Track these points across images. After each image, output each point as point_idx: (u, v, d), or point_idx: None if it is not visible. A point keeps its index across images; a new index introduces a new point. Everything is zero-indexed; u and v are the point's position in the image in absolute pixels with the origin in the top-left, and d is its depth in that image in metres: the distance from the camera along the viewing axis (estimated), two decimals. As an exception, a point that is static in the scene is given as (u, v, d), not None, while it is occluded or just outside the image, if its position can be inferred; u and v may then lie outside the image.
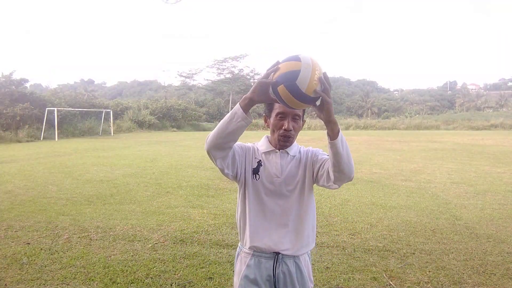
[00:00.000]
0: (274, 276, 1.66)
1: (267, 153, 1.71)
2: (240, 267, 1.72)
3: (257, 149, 1.73)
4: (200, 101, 54.20)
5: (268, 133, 1.74)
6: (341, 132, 1.44)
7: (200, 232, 4.50)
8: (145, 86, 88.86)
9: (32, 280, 3.25)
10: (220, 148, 1.49)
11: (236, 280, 1.73)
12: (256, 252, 1.68)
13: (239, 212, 1.75)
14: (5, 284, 3.17)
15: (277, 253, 1.66)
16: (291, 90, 1.36)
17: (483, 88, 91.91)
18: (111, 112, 29.14)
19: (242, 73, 54.33)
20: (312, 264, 3.52)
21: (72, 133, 25.38)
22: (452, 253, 3.85)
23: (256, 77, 58.83)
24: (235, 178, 1.68)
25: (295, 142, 1.73)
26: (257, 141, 1.80)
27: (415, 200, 6.14)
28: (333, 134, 1.42)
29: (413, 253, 3.84)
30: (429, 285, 3.17)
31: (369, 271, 3.42)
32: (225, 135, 1.45)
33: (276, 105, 1.62)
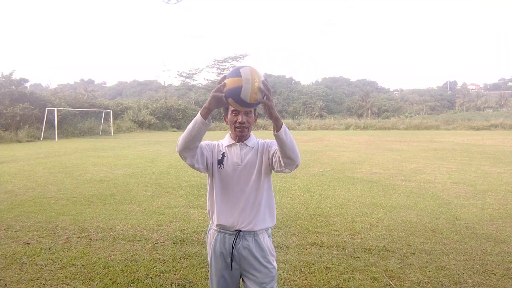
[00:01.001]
0: (233, 250, 1.97)
1: (229, 146, 2.04)
2: (210, 240, 2.07)
3: (221, 144, 2.06)
4: (200, 101, 54.09)
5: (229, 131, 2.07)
6: (284, 126, 1.76)
7: (200, 232, 4.49)
8: (145, 86, 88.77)
9: (32, 280, 3.25)
10: (188, 148, 1.83)
11: (209, 249, 2.09)
12: (222, 229, 2.01)
13: (208, 197, 2.07)
14: (5, 284, 3.18)
15: (239, 231, 1.98)
16: (238, 102, 1.72)
17: (483, 88, 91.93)
18: (111, 112, 29.15)
19: (242, 73, 54.21)
20: (312, 264, 3.54)
21: (72, 133, 25.39)
22: (452, 253, 3.84)
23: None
24: (206, 170, 2.00)
25: (252, 135, 2.06)
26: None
27: (415, 200, 6.14)
28: (277, 128, 1.75)
29: (413, 253, 3.84)
30: (429, 285, 3.17)
31: (369, 271, 3.42)
32: (191, 138, 1.79)
33: None
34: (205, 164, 1.97)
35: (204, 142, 1.99)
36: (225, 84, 1.70)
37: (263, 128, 38.07)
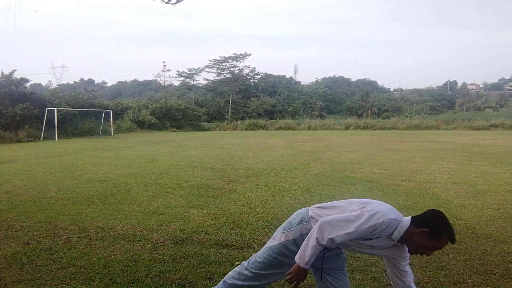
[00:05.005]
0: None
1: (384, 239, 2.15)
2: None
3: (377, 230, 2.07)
4: (200, 101, 54.17)
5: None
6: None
7: (200, 232, 4.49)
8: (145, 86, 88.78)
9: (32, 280, 3.25)
10: None
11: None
12: None
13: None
14: (5, 284, 3.17)
15: None
16: None
17: (483, 88, 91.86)
18: (111, 112, 29.15)
19: (242, 73, 54.29)
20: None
21: (72, 133, 25.40)
22: (452, 253, 3.84)
23: (257, 77, 58.91)
24: None
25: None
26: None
27: (415, 200, 6.13)
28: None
29: (413, 253, 3.83)
30: (429, 285, 3.17)
31: (369, 271, 3.42)
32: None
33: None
34: None
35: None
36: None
37: (263, 128, 38.08)
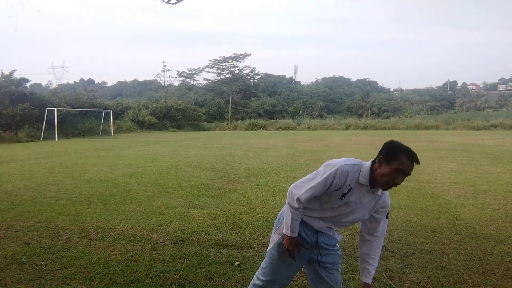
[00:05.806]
0: (317, 241, 2.23)
1: (360, 185, 2.05)
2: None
3: (352, 178, 2.04)
4: (200, 101, 54.20)
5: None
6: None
7: (200, 232, 4.49)
8: (145, 86, 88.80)
9: (32, 280, 3.25)
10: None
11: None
12: (304, 224, 2.24)
13: (309, 202, 2.18)
14: (5, 284, 3.17)
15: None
16: None
17: (483, 88, 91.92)
18: (111, 112, 29.15)
19: (242, 73, 54.28)
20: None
21: (72, 133, 25.41)
22: (452, 253, 3.84)
23: (257, 77, 58.93)
24: None
25: None
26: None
27: (415, 200, 6.13)
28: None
29: (413, 253, 3.83)
30: (429, 285, 3.17)
31: (369, 271, 3.41)
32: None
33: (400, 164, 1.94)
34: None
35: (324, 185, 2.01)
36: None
37: (263, 128, 38.10)
